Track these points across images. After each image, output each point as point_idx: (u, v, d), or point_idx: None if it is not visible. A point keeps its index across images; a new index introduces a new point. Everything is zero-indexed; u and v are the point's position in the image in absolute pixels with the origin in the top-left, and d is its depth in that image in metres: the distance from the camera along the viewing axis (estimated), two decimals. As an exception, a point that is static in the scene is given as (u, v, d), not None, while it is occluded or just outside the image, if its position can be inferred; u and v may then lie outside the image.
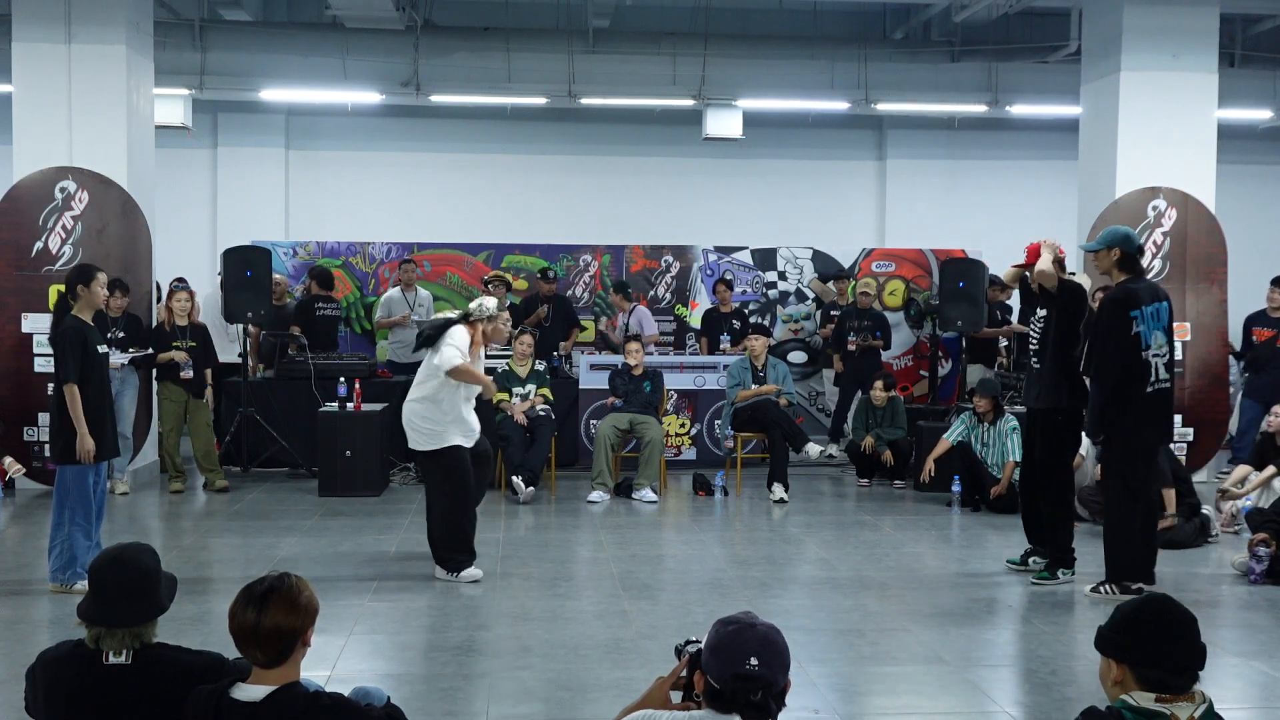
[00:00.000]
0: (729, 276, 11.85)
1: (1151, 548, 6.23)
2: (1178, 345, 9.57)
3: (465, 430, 6.55)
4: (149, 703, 2.94)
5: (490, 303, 6.65)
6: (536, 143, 14.21)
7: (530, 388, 9.28)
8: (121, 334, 8.81)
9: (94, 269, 6.12)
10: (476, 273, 11.94)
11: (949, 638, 5.43)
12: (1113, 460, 6.26)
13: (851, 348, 11.06)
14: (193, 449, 9.27)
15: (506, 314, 6.77)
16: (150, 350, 9.05)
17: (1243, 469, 8.06)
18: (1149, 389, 6.06)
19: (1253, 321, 10.44)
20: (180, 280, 10.18)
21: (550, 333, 11.01)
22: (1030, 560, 6.69)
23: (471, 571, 6.52)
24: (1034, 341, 6.58)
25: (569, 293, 11.95)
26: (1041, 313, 6.54)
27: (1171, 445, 8.96)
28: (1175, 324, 9.41)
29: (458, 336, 6.41)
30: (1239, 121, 12.85)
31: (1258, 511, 7.12)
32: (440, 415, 6.43)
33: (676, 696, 2.68)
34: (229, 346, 10.36)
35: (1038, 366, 6.52)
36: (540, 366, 9.50)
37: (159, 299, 9.87)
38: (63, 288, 6.17)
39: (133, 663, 2.96)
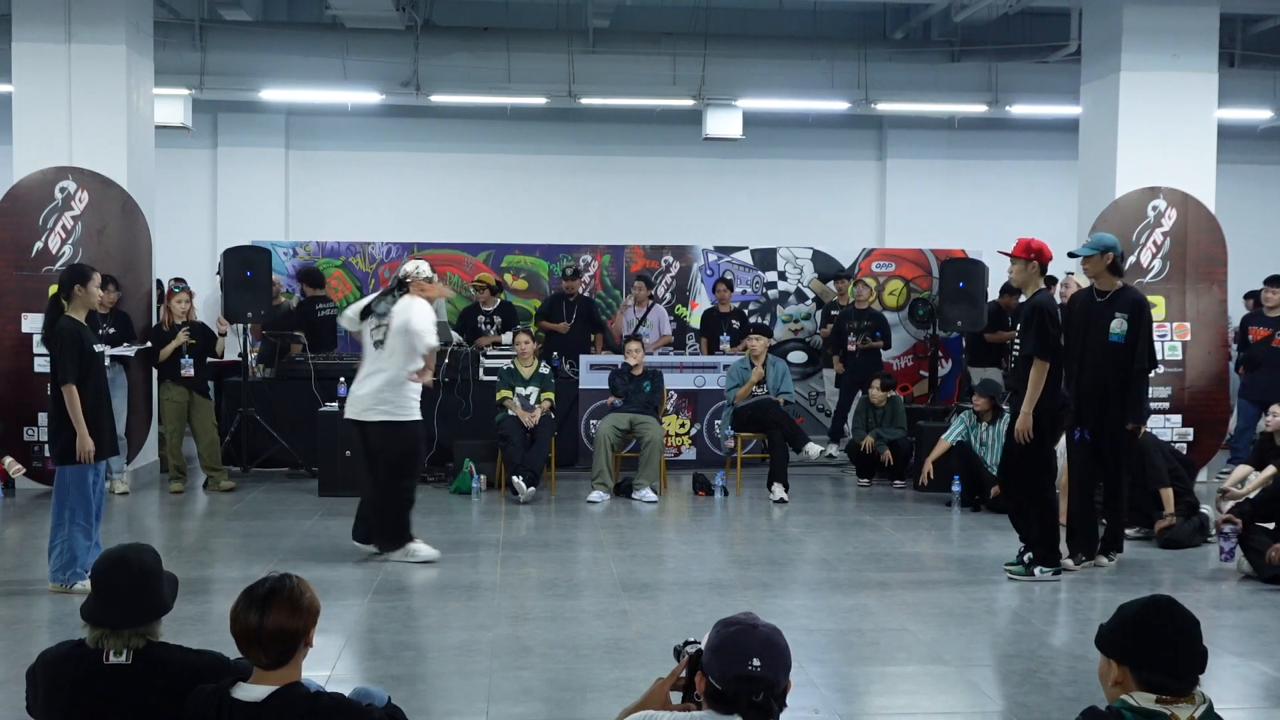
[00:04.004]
0: (729, 276, 11.84)
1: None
2: (1178, 345, 9.62)
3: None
4: (149, 702, 2.95)
5: (425, 267, 6.96)
6: (536, 143, 14.21)
7: (533, 389, 9.27)
8: (112, 330, 8.81)
9: (89, 269, 6.11)
10: (476, 272, 11.95)
11: (949, 638, 5.43)
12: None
13: (851, 348, 11.06)
14: (197, 449, 9.28)
15: (434, 276, 7.09)
16: (149, 344, 9.06)
17: (1242, 469, 8.06)
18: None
19: (1249, 320, 10.45)
20: (179, 280, 10.18)
21: (572, 336, 10.98)
22: (1025, 558, 6.71)
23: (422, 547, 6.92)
24: (1013, 361, 6.64)
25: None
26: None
27: (1174, 444, 9.05)
28: (1175, 324, 9.56)
29: (427, 314, 6.89)
30: (1239, 121, 12.85)
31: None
32: (408, 391, 6.86)
33: (676, 697, 2.68)
34: (230, 345, 10.36)
35: (1016, 389, 6.59)
36: (545, 370, 9.49)
37: (160, 299, 9.88)
38: (56, 288, 6.17)
39: (133, 662, 2.96)
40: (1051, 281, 8.24)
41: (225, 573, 6.59)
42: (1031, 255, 6.45)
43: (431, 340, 6.81)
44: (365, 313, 6.94)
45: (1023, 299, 7.01)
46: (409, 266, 6.94)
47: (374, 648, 5.24)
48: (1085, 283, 8.40)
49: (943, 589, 6.39)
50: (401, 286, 6.85)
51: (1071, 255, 6.82)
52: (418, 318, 6.73)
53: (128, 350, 8.89)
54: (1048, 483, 6.59)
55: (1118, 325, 6.58)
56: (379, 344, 6.83)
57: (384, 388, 6.79)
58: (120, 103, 9.15)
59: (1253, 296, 11.91)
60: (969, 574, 6.73)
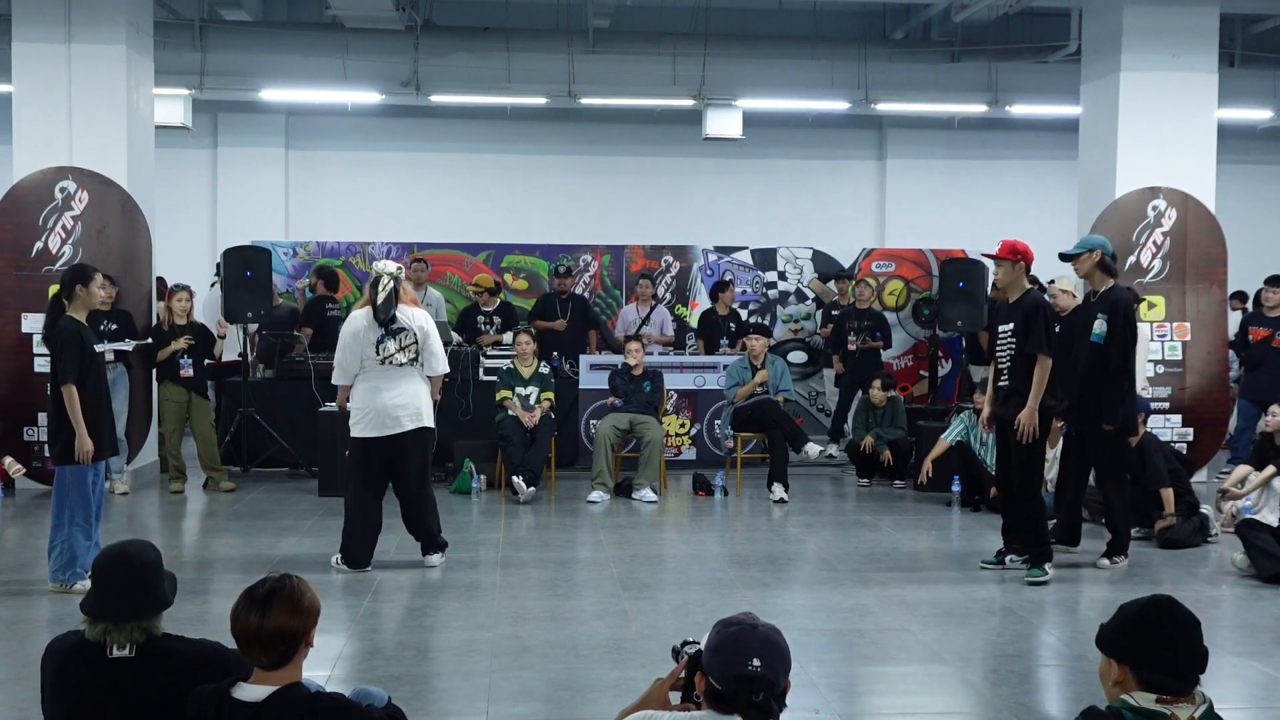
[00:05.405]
0: (729, 277, 11.84)
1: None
2: (1178, 345, 9.63)
3: None
4: (152, 696, 2.96)
5: (390, 266, 6.64)
6: (536, 143, 14.22)
7: (533, 389, 9.27)
8: (114, 326, 8.81)
9: (91, 269, 6.12)
10: (476, 272, 11.95)
11: (949, 638, 5.43)
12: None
13: (851, 348, 11.06)
14: (197, 450, 9.28)
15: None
16: (149, 340, 9.06)
17: (1243, 469, 8.05)
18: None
19: (1249, 321, 10.46)
20: (162, 280, 10.19)
21: (570, 334, 10.93)
22: (1007, 560, 6.72)
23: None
24: (1002, 361, 6.60)
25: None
26: (1007, 327, 6.56)
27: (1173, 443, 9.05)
28: (1175, 324, 9.56)
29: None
30: (1239, 121, 12.86)
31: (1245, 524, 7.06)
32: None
33: (675, 697, 2.68)
34: (230, 345, 10.35)
35: (1006, 384, 6.56)
36: (545, 370, 9.49)
37: (160, 298, 9.88)
38: (57, 288, 6.17)
39: (136, 655, 2.97)
40: (1035, 282, 8.26)
41: (225, 573, 6.59)
42: (1017, 256, 6.47)
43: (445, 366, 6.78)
44: (383, 322, 6.49)
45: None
46: (392, 268, 6.55)
47: (374, 648, 5.24)
48: (1069, 287, 8.46)
49: (943, 589, 6.38)
50: (395, 294, 6.52)
51: (1063, 257, 6.82)
52: (436, 336, 6.65)
53: (126, 345, 8.88)
54: (1038, 479, 6.64)
55: (1098, 326, 6.59)
56: (410, 363, 6.53)
57: (419, 395, 6.56)
58: (120, 103, 9.15)
59: (1238, 297, 11.91)
60: (969, 574, 6.73)
